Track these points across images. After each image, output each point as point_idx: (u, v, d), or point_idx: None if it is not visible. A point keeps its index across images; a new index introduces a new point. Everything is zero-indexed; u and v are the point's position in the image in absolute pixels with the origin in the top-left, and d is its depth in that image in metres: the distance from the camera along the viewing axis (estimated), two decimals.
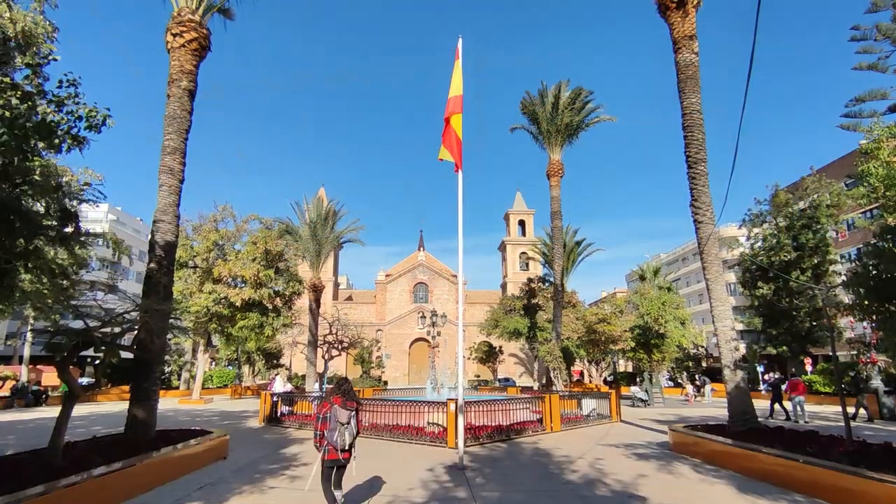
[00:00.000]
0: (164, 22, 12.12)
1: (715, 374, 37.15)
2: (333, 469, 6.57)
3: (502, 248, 78.64)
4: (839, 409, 19.19)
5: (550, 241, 33.88)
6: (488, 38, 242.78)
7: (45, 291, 13.94)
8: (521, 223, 78.94)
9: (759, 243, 35.83)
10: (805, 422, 18.70)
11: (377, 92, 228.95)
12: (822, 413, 21.86)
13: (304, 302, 38.48)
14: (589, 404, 18.91)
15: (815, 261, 32.03)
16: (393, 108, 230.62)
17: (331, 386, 7.04)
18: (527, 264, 73.13)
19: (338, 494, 6.59)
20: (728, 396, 12.30)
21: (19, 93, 6.91)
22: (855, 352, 30.00)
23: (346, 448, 6.46)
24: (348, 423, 6.48)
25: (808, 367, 34.92)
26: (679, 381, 40.65)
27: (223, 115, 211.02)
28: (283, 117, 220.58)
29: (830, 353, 11.41)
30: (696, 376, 37.55)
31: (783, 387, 21.69)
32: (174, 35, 11.80)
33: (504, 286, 74.89)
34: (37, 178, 8.52)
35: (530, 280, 44.65)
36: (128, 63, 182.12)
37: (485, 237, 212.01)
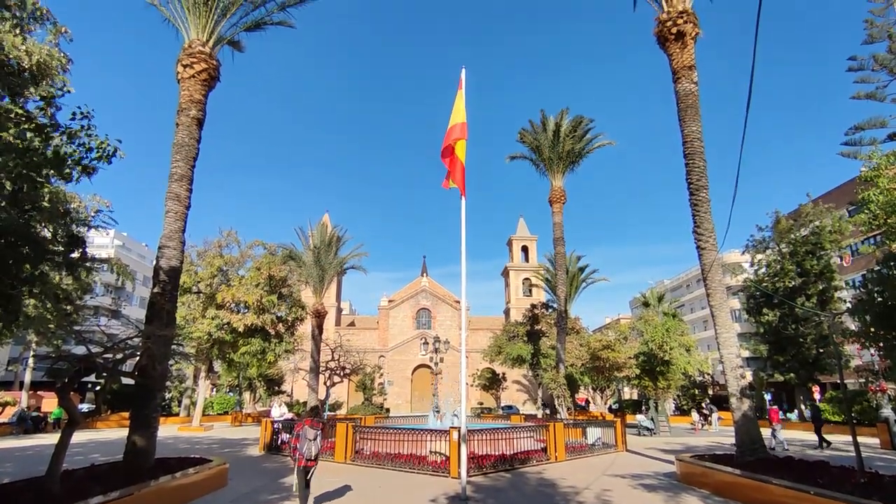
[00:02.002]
0: (172, 49, 12.45)
1: (721, 402, 36.60)
2: (305, 473, 8.53)
3: (505, 273, 78.51)
4: (849, 438, 18.88)
5: (553, 267, 33.87)
6: (491, 68, 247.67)
7: (49, 317, 14.00)
8: (524, 249, 79.00)
9: (763, 269, 35.72)
10: (785, 449, 19.32)
11: (381, 119, 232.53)
12: (833, 443, 21.43)
13: (306, 328, 38.33)
14: (594, 433, 18.63)
15: (821, 287, 31.88)
16: (397, 135, 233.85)
17: (326, 411, 8.56)
18: (530, 290, 72.89)
19: (308, 492, 8.59)
20: (735, 425, 12.11)
21: (33, 124, 7.08)
22: (863, 380, 29.61)
23: (312, 458, 8.52)
24: (315, 439, 8.56)
25: (817, 395, 34.38)
26: (685, 408, 40.00)
27: (229, 142, 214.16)
28: (288, 144, 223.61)
29: (839, 381, 11.26)
30: (703, 404, 36.96)
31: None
32: (185, 66, 12.09)
33: (507, 312, 74.53)
34: (46, 204, 8.65)
35: (533, 306, 44.43)
36: (136, 90, 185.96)
37: (488, 263, 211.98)
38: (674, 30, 13.69)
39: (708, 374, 42.87)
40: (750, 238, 37.02)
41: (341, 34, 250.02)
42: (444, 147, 11.89)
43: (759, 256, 35.98)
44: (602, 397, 47.45)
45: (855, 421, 24.37)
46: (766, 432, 19.80)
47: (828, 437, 23.19)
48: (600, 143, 28.27)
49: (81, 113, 7.24)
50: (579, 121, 27.44)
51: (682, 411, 40.25)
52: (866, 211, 14.11)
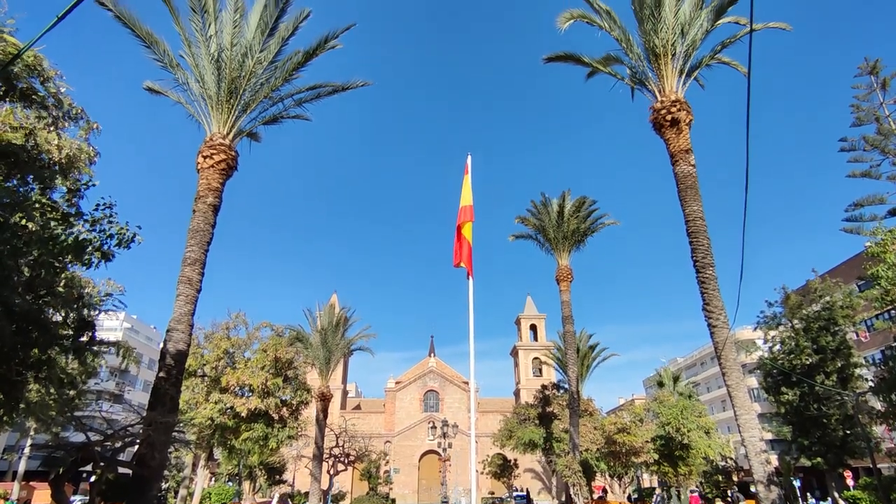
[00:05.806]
0: (182, 135, 13.15)
1: (747, 489, 34.43)
2: None
3: (514, 353, 77.06)
4: None
5: (563, 345, 33.32)
6: (496, 150, 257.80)
7: (51, 403, 13.77)
8: (533, 328, 78.01)
9: (778, 346, 34.89)
10: None
11: (390, 201, 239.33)
12: None
13: (310, 412, 37.28)
14: None
15: (839, 364, 30.89)
16: (405, 217, 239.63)
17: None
18: (540, 370, 71.20)
19: None
20: None
21: (58, 213, 7.41)
22: None
23: None
24: None
25: (850, 481, 32.34)
26: (709, 496, 37.57)
27: (239, 224, 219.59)
28: (298, 223, 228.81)
29: (871, 466, 10.65)
30: (728, 492, 34.76)
31: None
32: (205, 157, 12.73)
33: (517, 393, 72.36)
34: (60, 289, 8.81)
35: (544, 387, 43.15)
36: (148, 173, 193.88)
37: (496, 342, 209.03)
38: (668, 117, 14.36)
39: (731, 459, 40.71)
40: (760, 314, 36.48)
41: (347, 116, 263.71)
42: (456, 228, 12.47)
43: (773, 333, 35.24)
44: (620, 485, 44.87)
45: None
46: None
47: None
48: (605, 222, 28.83)
49: (105, 204, 7.58)
50: (582, 201, 28.12)
51: (706, 499, 37.79)
52: (877, 286, 14.07)
